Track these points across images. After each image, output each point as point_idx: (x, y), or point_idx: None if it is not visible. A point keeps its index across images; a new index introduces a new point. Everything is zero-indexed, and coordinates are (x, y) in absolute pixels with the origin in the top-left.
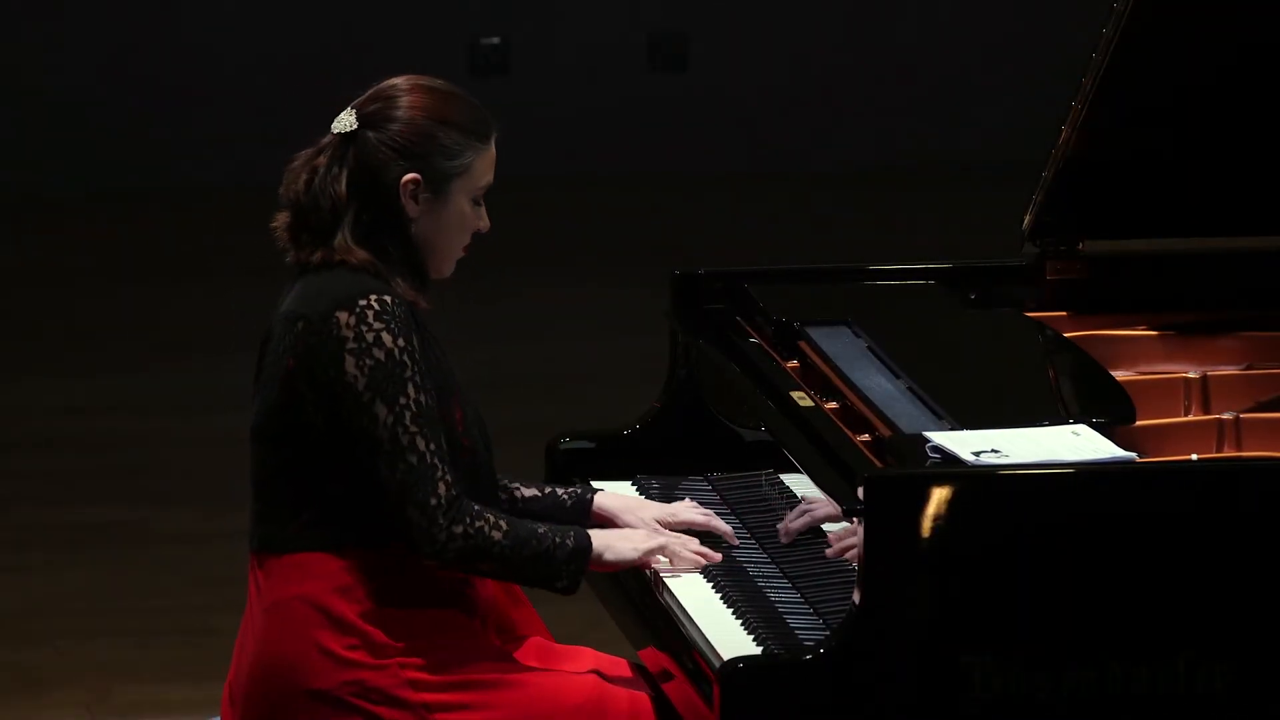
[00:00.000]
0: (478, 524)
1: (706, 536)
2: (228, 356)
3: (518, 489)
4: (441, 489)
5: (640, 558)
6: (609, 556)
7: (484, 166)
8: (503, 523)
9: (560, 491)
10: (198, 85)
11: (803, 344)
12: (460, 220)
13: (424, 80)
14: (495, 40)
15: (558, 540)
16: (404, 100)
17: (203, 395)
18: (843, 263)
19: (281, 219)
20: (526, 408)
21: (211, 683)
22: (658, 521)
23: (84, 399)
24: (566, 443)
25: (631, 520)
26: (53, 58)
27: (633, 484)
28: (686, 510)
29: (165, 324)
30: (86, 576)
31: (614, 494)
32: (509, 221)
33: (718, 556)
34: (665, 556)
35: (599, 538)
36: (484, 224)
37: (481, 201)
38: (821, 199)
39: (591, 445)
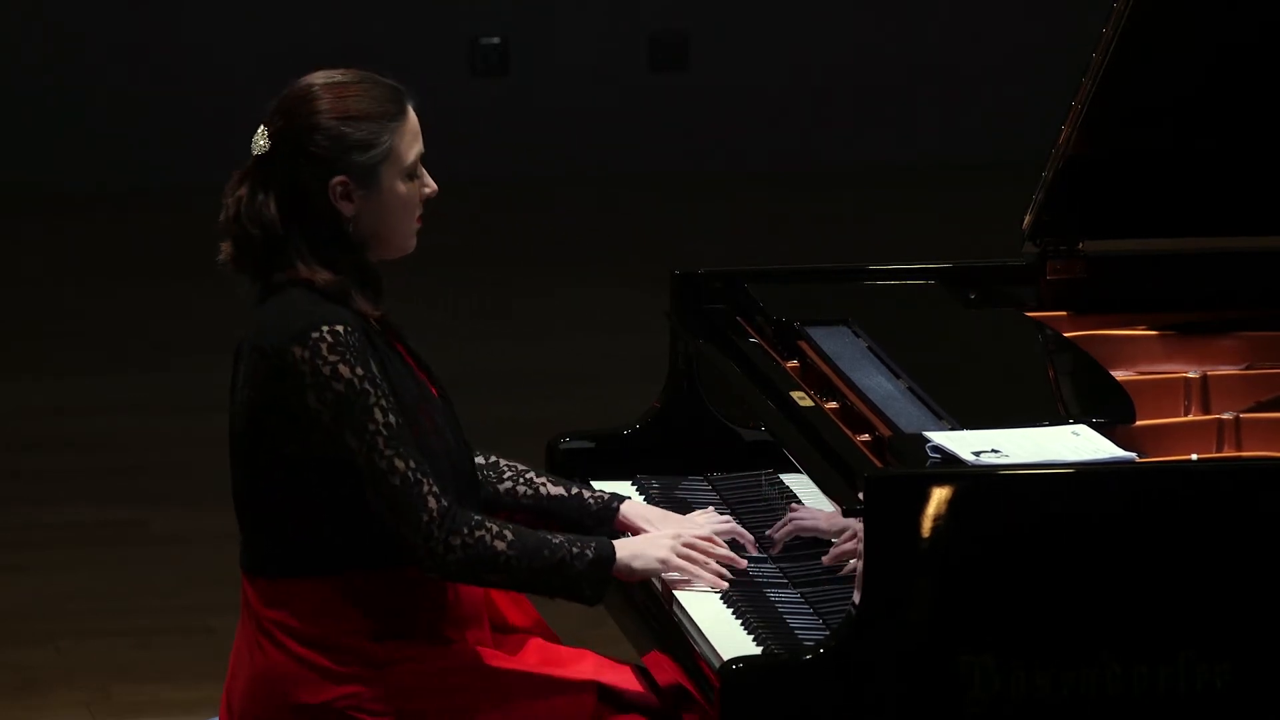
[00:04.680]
0: (478, 534)
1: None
2: (227, 356)
3: (544, 485)
4: (431, 503)
5: (667, 569)
6: (638, 565)
7: (407, 142)
8: (508, 532)
9: (587, 495)
10: (198, 85)
11: (803, 344)
12: (401, 201)
13: (321, 77)
14: (495, 40)
15: (575, 550)
16: (306, 108)
17: (202, 395)
18: (843, 263)
19: (226, 250)
20: (527, 407)
21: (211, 683)
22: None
23: (83, 399)
24: (566, 443)
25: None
26: (52, 57)
27: (633, 484)
28: (708, 522)
29: (164, 324)
30: (86, 576)
31: (640, 504)
32: (509, 221)
33: (742, 563)
34: (689, 574)
35: (625, 546)
36: (431, 187)
37: (419, 170)
38: (821, 199)
39: (591, 445)
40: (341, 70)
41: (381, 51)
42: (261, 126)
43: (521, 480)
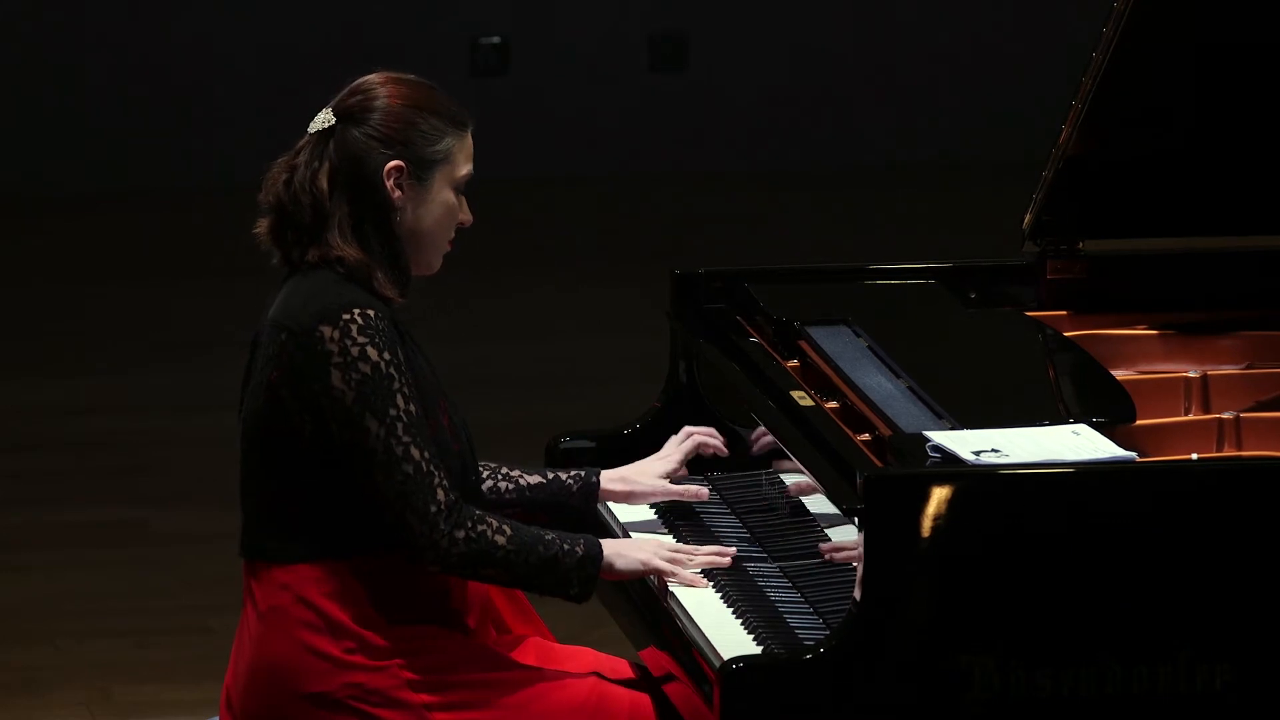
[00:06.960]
0: (480, 528)
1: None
2: (228, 356)
3: (521, 477)
4: (440, 495)
5: (648, 571)
6: (620, 565)
7: (463, 155)
8: (506, 527)
9: (564, 476)
10: (198, 85)
11: (803, 343)
12: (445, 209)
13: (398, 74)
14: (495, 40)
15: (566, 547)
16: (381, 91)
17: (203, 395)
18: (843, 263)
19: (263, 224)
20: (526, 408)
21: (210, 682)
22: (663, 478)
23: (84, 399)
24: (566, 442)
25: (639, 489)
26: (53, 57)
27: None
28: (677, 451)
29: (165, 324)
30: (86, 576)
31: (614, 473)
32: (509, 221)
33: (732, 551)
34: (668, 575)
35: (610, 546)
36: (467, 217)
37: (463, 194)
38: (821, 199)
39: (591, 445)
40: (415, 75)
41: (382, 51)
42: (326, 108)
43: (499, 476)
